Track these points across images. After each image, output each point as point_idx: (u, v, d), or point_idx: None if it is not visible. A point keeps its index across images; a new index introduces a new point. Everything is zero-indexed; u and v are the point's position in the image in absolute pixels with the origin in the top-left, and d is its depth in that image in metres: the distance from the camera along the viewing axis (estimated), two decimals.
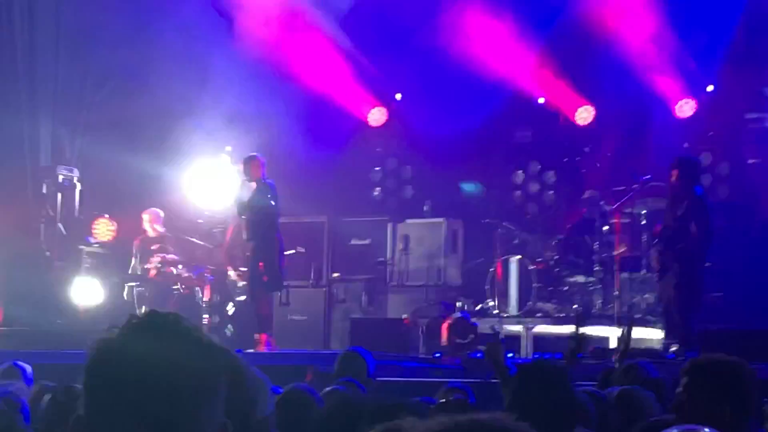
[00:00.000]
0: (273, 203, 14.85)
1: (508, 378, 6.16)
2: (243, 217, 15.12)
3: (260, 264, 14.91)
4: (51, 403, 6.45)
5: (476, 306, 16.82)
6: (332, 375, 8.55)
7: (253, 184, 14.88)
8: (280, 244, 15.10)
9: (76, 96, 19.59)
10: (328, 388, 6.70)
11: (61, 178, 18.72)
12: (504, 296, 16.59)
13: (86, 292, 17.89)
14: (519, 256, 16.75)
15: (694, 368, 5.05)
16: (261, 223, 14.87)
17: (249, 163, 14.96)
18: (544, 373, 5.06)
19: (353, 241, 18.77)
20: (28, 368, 8.74)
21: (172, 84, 18.41)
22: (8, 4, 19.34)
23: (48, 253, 18.45)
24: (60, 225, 18.67)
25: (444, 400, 6.94)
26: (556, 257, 16.70)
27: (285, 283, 16.09)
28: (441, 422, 1.93)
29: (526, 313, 16.45)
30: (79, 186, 18.92)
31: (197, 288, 17.20)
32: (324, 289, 18.50)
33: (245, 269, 15.58)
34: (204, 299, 17.11)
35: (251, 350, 14.41)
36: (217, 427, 2.31)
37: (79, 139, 19.66)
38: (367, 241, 18.78)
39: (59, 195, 18.77)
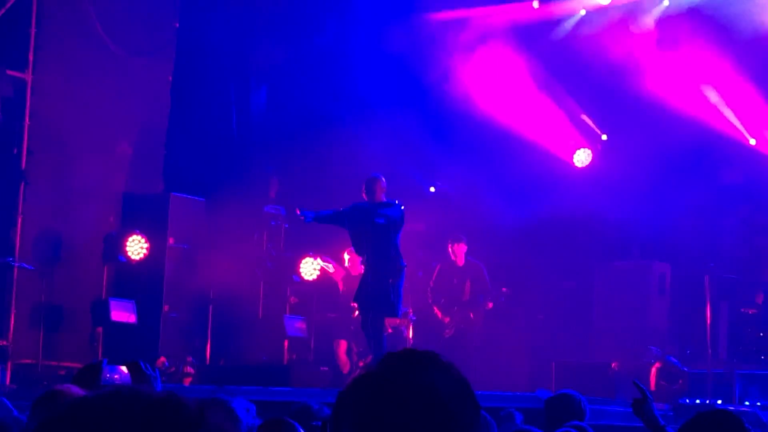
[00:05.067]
0: (398, 221, 14.31)
1: None
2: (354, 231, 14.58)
3: (377, 283, 14.31)
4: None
5: (685, 350, 16.46)
6: (545, 416, 8.36)
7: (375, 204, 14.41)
8: (402, 268, 14.45)
9: (285, 136, 19.97)
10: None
11: (268, 216, 19.11)
12: (714, 341, 16.18)
13: (292, 327, 18.17)
14: (728, 301, 16.34)
15: None
16: (380, 241, 14.34)
17: (373, 184, 14.47)
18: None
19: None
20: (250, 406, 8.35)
21: (373, 128, 18.64)
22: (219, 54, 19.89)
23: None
24: (267, 262, 19.05)
25: None
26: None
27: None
28: None
29: (737, 358, 16.02)
30: (285, 224, 19.28)
31: (402, 327, 17.24)
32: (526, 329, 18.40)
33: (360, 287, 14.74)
34: (408, 338, 17.16)
35: None
36: None
37: (285, 178, 20.02)
38: (570, 284, 18.60)
39: (266, 233, 19.17)
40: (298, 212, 14.62)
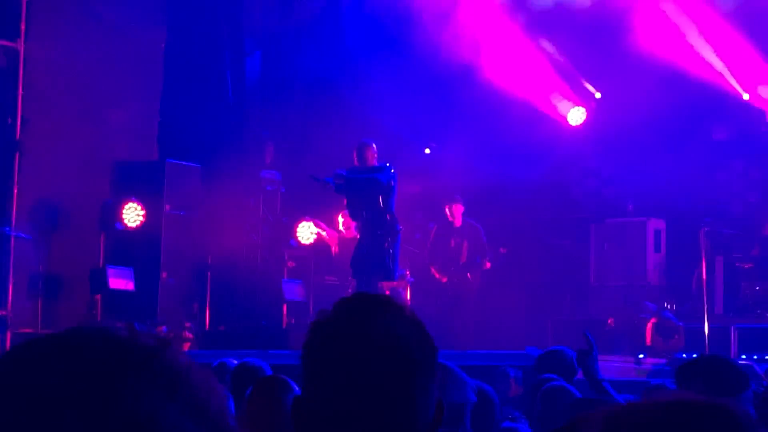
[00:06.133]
0: (384, 184, 14.32)
1: (602, 391, 5.96)
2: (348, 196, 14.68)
3: (373, 247, 14.35)
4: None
5: (681, 306, 16.51)
6: (534, 372, 8.39)
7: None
8: (397, 231, 14.46)
9: (280, 101, 19.96)
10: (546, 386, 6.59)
11: (263, 181, 19.11)
12: (710, 295, 16.22)
13: (291, 291, 18.21)
14: (724, 255, 16.37)
15: None
16: (375, 205, 14.36)
17: (364, 149, 14.52)
18: None
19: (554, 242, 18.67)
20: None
21: (367, 90, 18.62)
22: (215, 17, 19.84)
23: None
24: (263, 227, 19.06)
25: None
26: (763, 255, 16.27)
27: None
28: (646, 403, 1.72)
29: (733, 312, 16.07)
30: (281, 189, 19.28)
31: (399, 289, 17.28)
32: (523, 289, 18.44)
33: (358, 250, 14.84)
34: (406, 300, 17.20)
35: None
36: (435, 402, 2.29)
37: (281, 142, 20.01)
38: (565, 242, 18.63)
39: (262, 198, 19.16)
40: (329, 179, 14.48)
